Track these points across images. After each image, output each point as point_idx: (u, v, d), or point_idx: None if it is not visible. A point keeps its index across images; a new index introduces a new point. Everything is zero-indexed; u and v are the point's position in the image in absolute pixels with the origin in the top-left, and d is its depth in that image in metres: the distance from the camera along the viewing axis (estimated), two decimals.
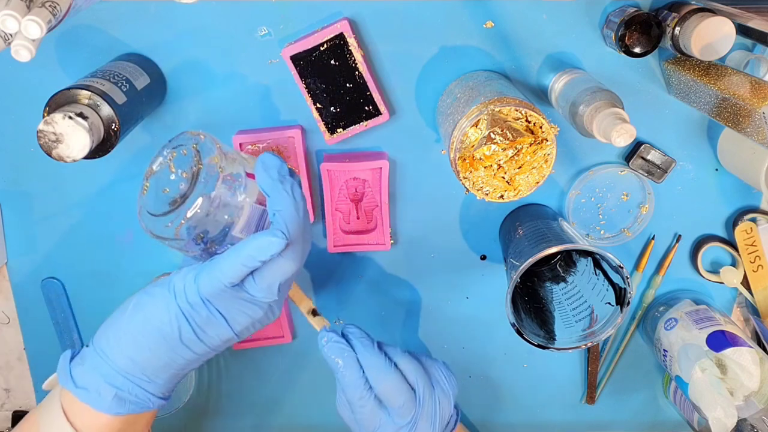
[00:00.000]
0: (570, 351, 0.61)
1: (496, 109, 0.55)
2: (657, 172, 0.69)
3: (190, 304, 0.50)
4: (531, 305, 0.66)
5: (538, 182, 0.57)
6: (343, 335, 0.59)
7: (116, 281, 0.73)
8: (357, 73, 0.64)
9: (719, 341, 0.66)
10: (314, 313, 0.61)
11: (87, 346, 0.53)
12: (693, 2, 0.61)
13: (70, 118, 0.52)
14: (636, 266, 0.74)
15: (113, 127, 0.56)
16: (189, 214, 0.50)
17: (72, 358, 0.53)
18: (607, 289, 0.62)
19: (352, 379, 0.57)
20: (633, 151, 0.69)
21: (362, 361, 0.57)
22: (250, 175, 0.53)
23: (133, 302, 0.52)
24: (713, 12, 0.58)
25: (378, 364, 0.57)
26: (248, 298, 0.51)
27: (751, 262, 0.72)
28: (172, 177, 0.53)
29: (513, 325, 0.59)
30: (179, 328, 0.50)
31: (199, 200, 0.50)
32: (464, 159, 0.56)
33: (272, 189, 0.51)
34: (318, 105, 0.65)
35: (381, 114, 0.65)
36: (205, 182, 0.51)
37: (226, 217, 0.52)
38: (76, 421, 0.51)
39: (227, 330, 0.52)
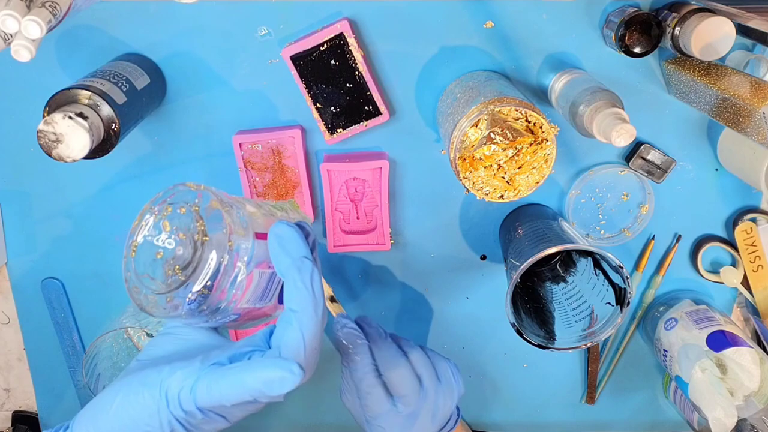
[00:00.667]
0: (570, 351, 0.61)
1: (496, 109, 0.55)
2: (657, 172, 0.69)
3: (184, 412, 0.45)
4: (531, 305, 0.66)
5: (538, 182, 0.57)
6: (356, 323, 0.61)
7: (116, 281, 0.73)
8: (357, 73, 0.64)
9: (719, 341, 0.66)
10: (332, 299, 0.63)
11: (67, 429, 0.48)
12: (693, 2, 0.61)
13: (70, 118, 0.52)
14: (636, 266, 0.74)
15: (113, 127, 0.56)
16: (192, 297, 0.43)
17: None
18: (607, 289, 0.62)
19: (363, 364, 0.58)
20: (633, 151, 0.69)
21: (374, 349, 0.59)
22: (260, 236, 0.46)
23: (119, 398, 0.46)
24: (713, 12, 0.58)
25: (389, 352, 0.59)
26: (249, 400, 0.46)
27: (751, 262, 0.72)
28: (166, 239, 0.45)
29: (513, 325, 0.59)
30: (172, 431, 0.45)
31: (204, 276, 0.43)
32: (464, 159, 0.56)
33: (287, 275, 0.45)
34: (318, 105, 0.65)
35: (381, 114, 0.65)
36: (206, 260, 0.43)
37: (233, 289, 0.45)
38: None
39: (224, 423, 0.47)
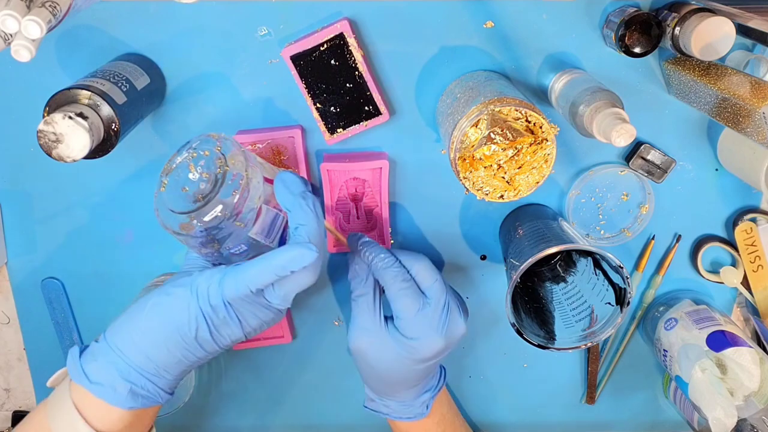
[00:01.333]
0: (570, 351, 0.61)
1: (496, 109, 0.55)
2: (657, 172, 0.69)
3: (211, 306, 0.52)
4: (531, 305, 0.66)
5: (538, 182, 0.57)
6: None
7: (116, 281, 0.73)
8: (357, 73, 0.64)
9: (719, 341, 0.66)
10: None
11: (96, 341, 0.54)
12: (693, 2, 0.61)
13: (70, 118, 0.52)
14: (636, 266, 0.74)
15: (113, 127, 0.56)
16: (207, 219, 0.51)
17: (80, 355, 0.54)
18: (607, 289, 0.62)
19: (391, 262, 0.61)
20: (633, 151, 0.69)
21: (396, 252, 0.62)
22: (268, 180, 0.55)
23: (151, 302, 0.53)
24: (713, 12, 0.58)
25: (409, 252, 0.63)
26: (264, 303, 0.54)
27: (751, 262, 0.72)
28: (192, 176, 0.54)
29: (513, 325, 0.59)
30: (197, 328, 0.52)
31: (220, 206, 0.52)
32: (464, 159, 0.56)
33: (293, 204, 0.54)
34: (318, 105, 0.65)
35: (381, 114, 0.65)
36: (227, 186, 0.52)
37: (244, 219, 0.53)
38: (89, 415, 0.53)
39: (239, 331, 0.54)
